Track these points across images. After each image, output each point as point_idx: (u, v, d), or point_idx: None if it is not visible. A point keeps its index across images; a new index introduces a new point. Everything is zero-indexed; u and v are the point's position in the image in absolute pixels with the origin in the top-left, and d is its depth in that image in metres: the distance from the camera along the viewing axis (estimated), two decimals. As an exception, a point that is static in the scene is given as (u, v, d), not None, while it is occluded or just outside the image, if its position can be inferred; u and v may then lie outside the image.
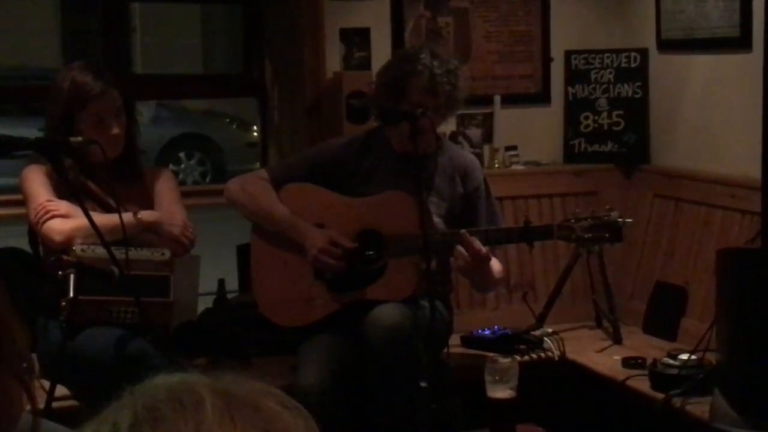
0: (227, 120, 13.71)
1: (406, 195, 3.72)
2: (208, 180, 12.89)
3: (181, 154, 13.11)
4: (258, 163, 5.58)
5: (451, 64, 3.81)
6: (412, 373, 3.46)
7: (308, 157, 3.99)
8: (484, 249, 3.61)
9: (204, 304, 4.14)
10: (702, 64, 4.46)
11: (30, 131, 3.57)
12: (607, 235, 3.73)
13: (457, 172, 3.88)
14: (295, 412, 0.90)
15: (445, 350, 3.67)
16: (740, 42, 4.17)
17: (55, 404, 3.13)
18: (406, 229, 3.67)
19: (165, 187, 3.73)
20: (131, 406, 0.86)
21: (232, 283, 4.29)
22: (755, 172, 3.81)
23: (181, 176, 12.71)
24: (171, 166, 12.55)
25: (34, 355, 3.57)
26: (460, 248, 3.60)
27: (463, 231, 3.61)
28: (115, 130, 3.57)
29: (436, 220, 3.76)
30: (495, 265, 3.77)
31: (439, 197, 3.80)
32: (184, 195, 3.95)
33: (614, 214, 3.74)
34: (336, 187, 3.84)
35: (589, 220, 3.73)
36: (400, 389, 3.50)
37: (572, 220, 3.75)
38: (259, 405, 0.88)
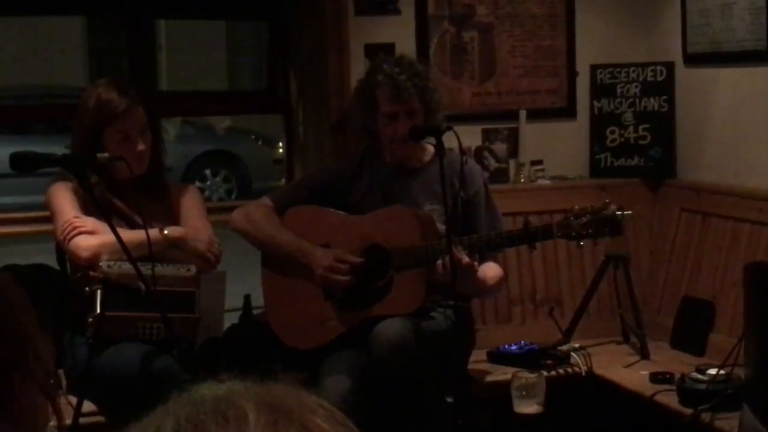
0: (252, 137, 13.75)
1: (407, 209, 3.75)
2: (233, 197, 12.92)
3: (207, 171, 13.16)
4: (283, 180, 5.59)
5: (415, 68, 3.85)
6: (421, 384, 3.46)
7: (309, 180, 4.06)
8: (465, 258, 3.58)
9: (230, 320, 4.15)
10: (729, 77, 4.44)
11: (57, 149, 3.59)
12: (607, 229, 3.71)
13: (456, 178, 3.87)
14: (342, 426, 0.88)
15: (466, 364, 3.66)
16: (767, 55, 4.15)
17: (82, 420, 3.15)
18: (410, 243, 3.68)
19: (190, 203, 3.75)
20: (175, 415, 0.85)
21: (258, 299, 4.30)
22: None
23: (206, 193, 12.75)
24: (196, 183, 12.60)
25: (60, 371, 3.59)
26: (438, 262, 3.59)
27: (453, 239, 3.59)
28: (141, 147, 3.58)
29: (440, 227, 3.76)
30: (490, 270, 3.77)
31: (439, 204, 3.78)
32: (210, 212, 3.97)
33: (612, 207, 3.72)
34: (338, 205, 3.87)
35: (588, 216, 3.71)
36: (419, 404, 3.50)
37: (571, 217, 3.73)
38: (307, 422, 0.86)
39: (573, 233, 3.71)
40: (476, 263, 3.66)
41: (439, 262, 3.57)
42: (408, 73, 3.81)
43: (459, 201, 3.89)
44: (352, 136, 4.46)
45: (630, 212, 3.79)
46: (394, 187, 3.89)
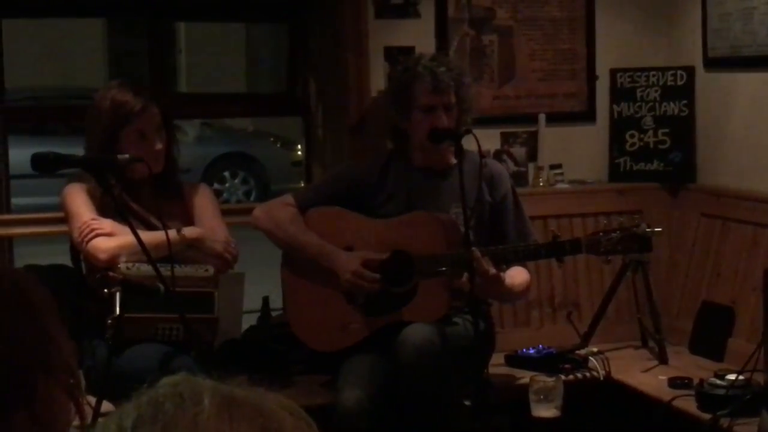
0: (271, 139, 13.78)
1: (431, 214, 3.75)
2: (252, 199, 12.94)
3: (226, 173, 13.19)
4: (302, 182, 5.60)
5: (452, 64, 3.87)
6: (447, 389, 3.46)
7: (333, 180, 4.04)
8: (492, 269, 3.59)
9: (248, 321, 4.16)
10: (749, 81, 4.43)
11: (76, 150, 3.61)
12: (636, 246, 3.71)
13: (483, 181, 3.87)
14: (299, 417, 0.92)
15: (486, 369, 3.65)
16: (788, 59, 4.15)
17: (101, 420, 3.16)
18: (435, 249, 3.68)
19: (205, 203, 3.76)
20: (136, 403, 0.90)
21: (277, 301, 4.30)
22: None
23: (225, 195, 12.78)
24: (215, 185, 12.64)
25: (80, 372, 3.60)
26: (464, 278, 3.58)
27: (474, 249, 3.59)
28: (158, 146, 3.60)
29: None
30: (518, 276, 3.77)
31: (468, 208, 3.77)
32: (229, 213, 3.98)
33: (642, 225, 3.73)
34: (361, 207, 3.86)
35: (618, 232, 3.72)
36: (437, 407, 3.50)
37: (600, 234, 3.74)
38: (260, 405, 0.90)
39: (601, 249, 3.71)
40: (503, 274, 3.67)
41: (465, 277, 3.57)
42: (446, 66, 3.82)
43: (486, 205, 3.89)
44: (372, 139, 4.46)
45: (660, 229, 3.78)
46: (420, 190, 3.88)
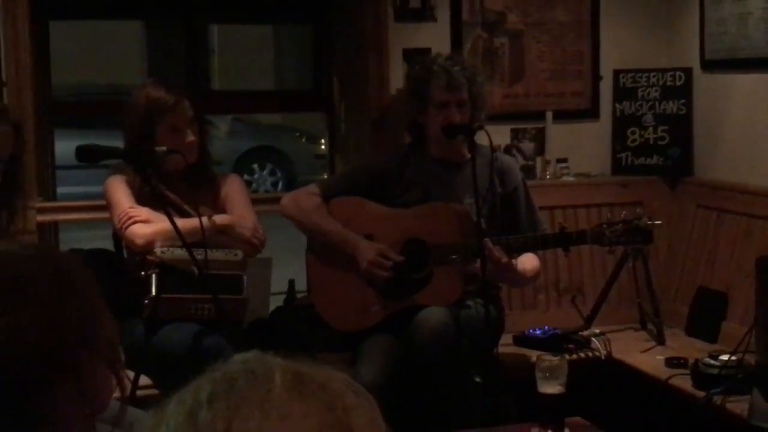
0: (297, 133, 13.78)
1: (446, 205, 3.75)
2: (279, 189, 12.95)
3: (255, 165, 13.20)
4: (325, 174, 5.60)
5: (466, 63, 3.88)
6: (459, 368, 3.47)
7: (355, 171, 4.05)
8: (504, 258, 3.59)
9: (275, 302, 4.17)
10: (744, 82, 4.41)
11: (116, 143, 3.63)
12: (638, 238, 3.71)
13: (495, 173, 3.87)
14: (361, 394, 0.92)
15: (496, 348, 3.66)
16: (781, 61, 4.13)
17: (138, 393, 3.18)
18: (449, 238, 3.68)
19: (235, 192, 3.76)
20: (211, 378, 0.89)
21: (302, 284, 4.32)
22: (794, 184, 3.77)
23: (254, 185, 12.79)
24: (245, 176, 12.65)
25: (119, 348, 3.62)
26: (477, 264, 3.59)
27: (486, 239, 3.59)
28: (191, 138, 3.62)
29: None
30: (528, 262, 3.77)
31: (480, 198, 3.76)
32: (257, 202, 3.98)
33: (644, 218, 3.72)
34: (381, 196, 3.86)
35: (621, 225, 3.71)
36: (449, 384, 3.51)
37: (604, 225, 3.73)
38: (326, 383, 0.89)
39: (605, 240, 3.70)
40: (515, 262, 3.67)
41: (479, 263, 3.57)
42: (460, 66, 3.82)
43: (498, 197, 3.89)
44: (391, 133, 4.46)
45: (660, 222, 3.77)
46: (437, 181, 3.88)
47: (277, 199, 4.11)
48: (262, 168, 13.26)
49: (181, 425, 0.85)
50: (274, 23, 13.45)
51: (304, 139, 13.62)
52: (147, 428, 0.87)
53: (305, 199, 3.90)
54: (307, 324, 4.08)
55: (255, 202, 3.92)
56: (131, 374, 3.26)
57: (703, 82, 4.67)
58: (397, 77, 4.52)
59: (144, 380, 3.38)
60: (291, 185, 12.43)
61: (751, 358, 3.50)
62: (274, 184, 13.20)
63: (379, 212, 3.85)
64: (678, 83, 4.75)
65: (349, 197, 3.88)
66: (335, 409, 0.87)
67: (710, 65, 4.58)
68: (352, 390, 0.91)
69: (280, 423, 0.84)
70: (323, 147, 10.20)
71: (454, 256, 3.67)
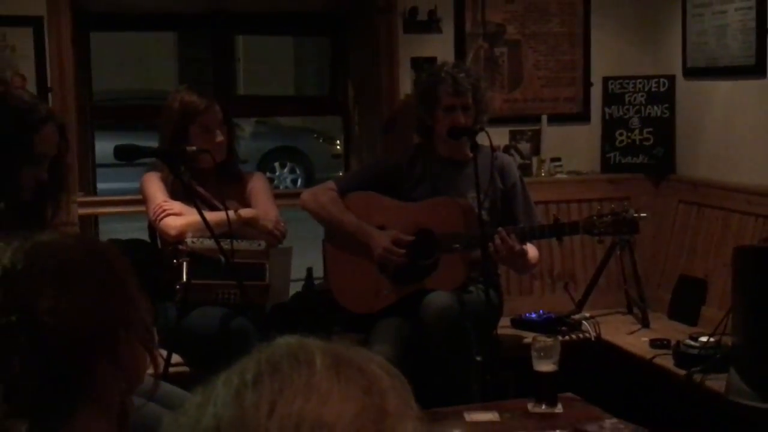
0: (315, 135, 13.77)
1: (452, 199, 3.76)
2: (298, 186, 12.95)
3: (276, 164, 13.21)
4: (341, 172, 5.60)
5: (471, 71, 3.88)
6: (463, 347, 3.47)
7: (368, 169, 4.06)
8: (518, 245, 3.59)
9: (295, 288, 4.17)
10: (722, 88, 4.39)
11: (152, 143, 3.63)
12: (625, 228, 3.70)
13: (495, 170, 3.87)
14: (394, 376, 0.90)
15: (495, 330, 3.66)
16: (756, 70, 4.11)
17: (171, 370, 3.19)
18: (455, 229, 3.69)
19: (259, 188, 3.77)
20: (257, 360, 0.87)
21: (319, 272, 4.32)
22: (768, 181, 3.76)
23: (275, 182, 12.79)
24: (267, 174, 12.65)
25: (153, 329, 3.63)
26: (498, 241, 3.59)
27: (500, 229, 3.60)
28: (220, 138, 3.62)
29: (482, 212, 3.74)
30: (531, 251, 3.77)
31: (482, 193, 3.76)
32: (278, 197, 3.99)
33: (631, 211, 3.71)
34: (393, 191, 3.86)
35: (610, 216, 3.70)
36: (453, 362, 3.51)
37: (595, 217, 3.73)
38: (363, 367, 0.88)
39: (595, 230, 3.70)
40: (526, 248, 3.67)
41: (497, 241, 3.58)
42: (465, 73, 3.82)
43: (498, 192, 3.88)
44: (400, 135, 4.46)
45: (645, 215, 3.76)
46: (443, 178, 3.88)
47: (297, 195, 4.11)
48: (283, 166, 13.26)
49: (228, 405, 0.83)
50: (295, 35, 13.46)
51: (321, 140, 13.62)
52: (195, 406, 0.85)
53: (323, 193, 3.90)
54: (324, 307, 4.09)
55: (277, 197, 3.93)
56: (164, 353, 3.28)
57: (684, 88, 4.65)
58: (405, 83, 4.52)
59: (176, 358, 3.38)
60: (309, 182, 12.45)
61: (728, 340, 3.49)
62: (294, 181, 13.20)
63: (390, 205, 3.85)
64: (662, 89, 4.73)
65: (364, 192, 3.88)
66: (372, 393, 0.86)
67: (691, 73, 4.57)
68: (387, 373, 0.90)
69: (321, 406, 0.82)
70: (339, 147, 10.20)
71: (456, 245, 3.67)
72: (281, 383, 0.84)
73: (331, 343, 0.90)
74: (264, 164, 12.80)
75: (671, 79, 4.70)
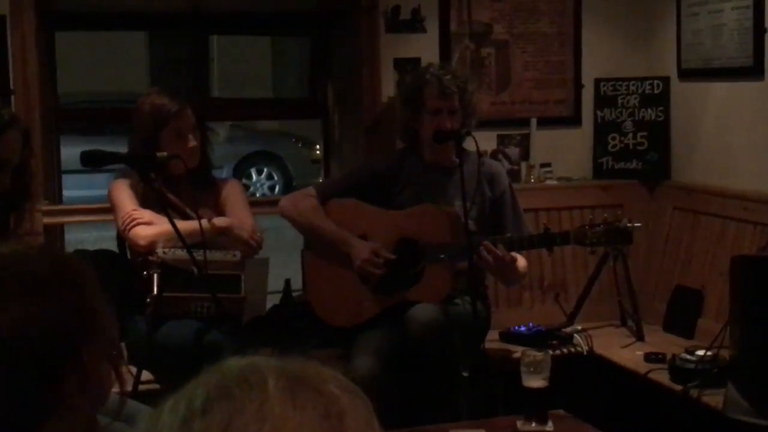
0: (294, 139, 13.77)
1: (437, 207, 3.76)
2: (276, 193, 12.94)
3: (253, 170, 13.20)
4: (320, 178, 5.60)
5: (458, 72, 3.88)
6: (449, 362, 3.47)
7: (351, 175, 4.05)
8: (507, 256, 3.60)
9: (272, 301, 4.16)
10: (718, 90, 4.42)
11: (123, 148, 3.62)
12: (619, 239, 3.71)
13: (484, 178, 3.87)
14: (354, 395, 0.89)
15: (483, 344, 3.66)
16: (754, 71, 4.13)
17: (141, 387, 3.17)
18: (440, 238, 3.69)
19: (234, 196, 3.76)
20: (205, 384, 0.86)
21: (297, 283, 4.31)
22: (766, 187, 3.77)
23: (251, 189, 12.77)
24: (243, 181, 12.63)
25: (123, 344, 3.61)
26: (484, 253, 3.60)
27: (485, 242, 3.61)
28: (193, 143, 3.62)
29: (469, 221, 3.75)
30: (520, 261, 3.78)
31: (469, 201, 3.76)
32: (256, 205, 3.99)
33: (624, 220, 3.72)
34: (376, 198, 3.86)
35: (602, 226, 3.71)
36: (439, 378, 3.51)
37: (586, 227, 3.74)
38: (320, 387, 0.86)
39: (587, 241, 3.71)
40: (516, 257, 3.68)
41: (484, 253, 3.58)
42: (451, 74, 3.82)
43: (487, 200, 3.89)
44: (383, 139, 4.46)
45: (639, 224, 3.77)
46: (429, 184, 3.88)
47: (274, 203, 4.10)
48: (260, 172, 13.25)
49: None
50: (273, 35, 13.46)
51: (300, 145, 13.61)
52: None
53: (303, 200, 3.90)
54: (303, 321, 4.08)
55: (253, 205, 3.92)
56: (134, 370, 3.26)
57: (679, 90, 4.67)
58: (388, 85, 4.52)
59: (146, 375, 3.37)
60: (287, 189, 12.44)
61: (725, 353, 3.50)
62: (271, 188, 13.19)
63: (373, 213, 3.85)
64: (656, 91, 4.75)
65: (345, 199, 3.88)
66: (330, 416, 0.84)
67: (686, 74, 4.59)
68: (346, 391, 0.88)
69: None
70: (318, 152, 10.19)
71: (442, 255, 3.67)
72: (232, 410, 0.82)
73: (285, 363, 0.89)
74: (240, 170, 12.78)
75: (666, 80, 4.72)
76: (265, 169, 13.31)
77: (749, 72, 4.16)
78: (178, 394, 0.86)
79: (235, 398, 0.83)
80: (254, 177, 13.18)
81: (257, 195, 12.64)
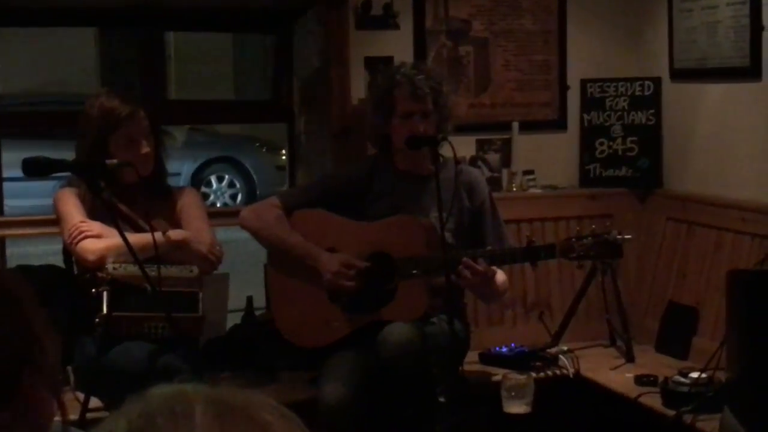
0: (257, 144, 13.75)
1: (412, 218, 3.75)
2: (238, 202, 12.92)
3: (213, 177, 13.17)
4: (286, 185, 5.58)
5: (432, 72, 3.87)
6: (425, 386, 3.47)
7: (318, 183, 4.05)
8: (489, 271, 3.62)
9: (233, 320, 4.15)
10: (713, 92, 4.44)
11: (68, 154, 3.60)
12: (608, 252, 3.72)
13: (462, 187, 3.87)
14: (289, 421, 0.89)
15: (461, 366, 3.66)
16: (750, 71, 4.16)
17: (89, 415, 3.15)
18: (415, 252, 3.69)
19: (192, 207, 3.75)
20: (127, 415, 0.86)
21: (260, 300, 4.30)
22: (765, 196, 3.80)
23: (212, 198, 12.74)
24: (203, 189, 12.60)
25: (69, 368, 3.59)
26: (464, 270, 3.60)
27: (465, 258, 3.61)
28: (146, 149, 3.60)
29: (445, 234, 3.75)
30: (500, 276, 3.78)
31: (446, 212, 3.76)
32: (216, 216, 3.98)
33: (613, 232, 3.74)
34: (346, 209, 3.85)
35: (590, 238, 3.73)
36: (414, 403, 3.50)
37: (573, 239, 3.75)
38: (252, 414, 0.86)
39: (574, 254, 3.71)
40: (495, 269, 3.68)
41: (464, 270, 3.58)
42: (425, 75, 3.82)
43: (465, 211, 3.89)
44: (354, 145, 4.46)
45: (630, 236, 3.79)
46: (404, 193, 3.88)
47: (236, 213, 4.09)
48: (220, 180, 13.22)
49: None
50: (235, 32, 13.43)
51: (264, 150, 13.60)
52: None
53: (266, 211, 3.89)
54: (267, 342, 4.06)
55: (212, 216, 3.91)
56: (81, 396, 3.24)
57: (672, 91, 4.70)
58: (359, 87, 4.52)
59: (95, 402, 3.34)
60: (251, 198, 12.41)
61: (722, 375, 3.51)
62: (233, 197, 13.16)
63: (342, 225, 3.84)
64: (647, 93, 4.78)
65: (312, 210, 3.87)
66: None
67: (679, 74, 4.62)
68: (281, 417, 0.88)
69: None
70: (284, 158, 10.18)
71: (416, 271, 3.67)
72: None
73: (214, 390, 0.88)
74: (199, 178, 12.75)
75: (657, 81, 4.75)
76: (227, 177, 13.28)
77: (746, 72, 4.19)
78: (100, 426, 0.86)
79: (159, 428, 0.83)
80: (214, 185, 13.15)
81: (218, 204, 12.62)
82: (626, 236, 3.75)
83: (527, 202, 4.70)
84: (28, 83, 12.46)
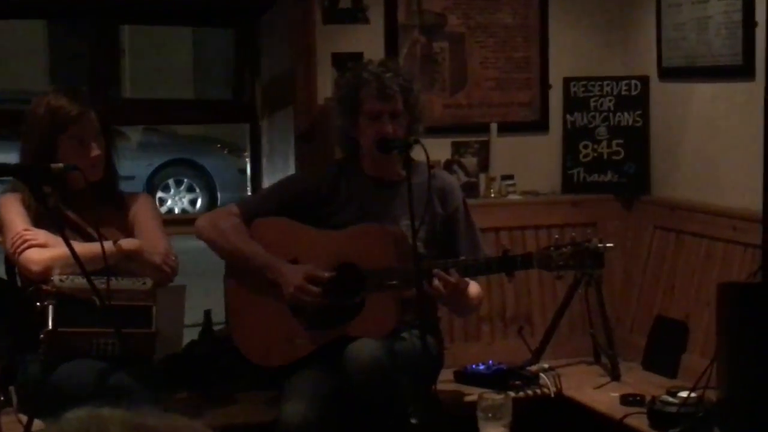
0: (218, 145, 13.74)
1: (381, 227, 3.75)
2: (198, 207, 12.89)
3: (170, 181, 13.13)
4: (249, 190, 5.58)
5: (400, 70, 3.87)
6: (395, 407, 3.47)
7: (281, 190, 4.02)
8: (462, 283, 3.62)
9: (190, 335, 4.14)
10: (704, 92, 4.47)
11: (10, 158, 3.58)
12: (588, 262, 3.73)
13: (435, 193, 3.87)
14: None
15: (434, 385, 3.66)
16: (743, 70, 4.18)
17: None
18: (384, 263, 3.68)
19: (145, 214, 3.73)
20: None
21: (220, 315, 4.29)
22: (758, 204, 3.82)
23: (169, 203, 12.71)
24: (159, 193, 12.57)
25: (12, 388, 3.56)
26: (436, 282, 3.60)
27: (436, 270, 3.61)
28: (96, 152, 3.59)
29: (417, 243, 3.75)
30: (473, 289, 3.79)
31: (417, 220, 3.75)
32: (173, 223, 3.97)
33: (594, 240, 3.74)
34: (310, 217, 3.84)
35: (569, 247, 3.73)
36: (384, 425, 3.50)
37: (551, 248, 3.75)
38: None
39: (552, 264, 3.72)
40: (468, 281, 3.68)
41: (436, 282, 3.58)
42: (393, 72, 3.81)
43: (438, 218, 3.89)
44: (320, 147, 4.46)
45: (612, 245, 3.80)
46: (372, 200, 3.87)
47: (194, 220, 4.07)
48: (178, 184, 13.19)
49: None
50: (194, 25, 13.40)
51: (226, 152, 13.58)
52: None
53: (223, 219, 3.88)
54: (226, 359, 4.06)
55: (168, 223, 3.90)
56: (24, 418, 3.22)
57: (660, 91, 4.72)
58: (326, 85, 4.52)
59: (39, 425, 3.32)
60: (212, 203, 12.40)
61: (712, 395, 3.53)
62: (192, 202, 13.14)
63: (306, 234, 3.84)
64: (633, 93, 4.80)
65: (274, 218, 3.86)
66: None
67: (668, 73, 4.64)
68: None
69: None
70: (248, 160, 10.16)
71: (393, 282, 3.66)
72: None
73: (133, 414, 0.89)
74: (155, 181, 12.72)
75: (644, 80, 4.77)
76: (185, 180, 13.25)
77: (738, 71, 4.21)
78: None
79: None
80: (172, 189, 13.12)
81: (175, 210, 12.59)
82: (608, 245, 3.76)
83: (506, 209, 4.71)
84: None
